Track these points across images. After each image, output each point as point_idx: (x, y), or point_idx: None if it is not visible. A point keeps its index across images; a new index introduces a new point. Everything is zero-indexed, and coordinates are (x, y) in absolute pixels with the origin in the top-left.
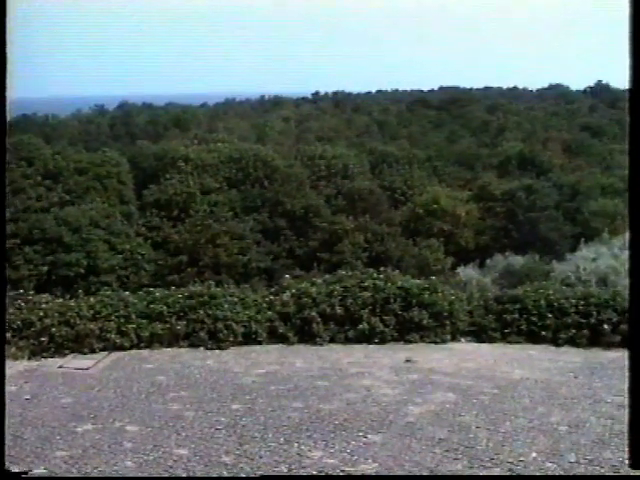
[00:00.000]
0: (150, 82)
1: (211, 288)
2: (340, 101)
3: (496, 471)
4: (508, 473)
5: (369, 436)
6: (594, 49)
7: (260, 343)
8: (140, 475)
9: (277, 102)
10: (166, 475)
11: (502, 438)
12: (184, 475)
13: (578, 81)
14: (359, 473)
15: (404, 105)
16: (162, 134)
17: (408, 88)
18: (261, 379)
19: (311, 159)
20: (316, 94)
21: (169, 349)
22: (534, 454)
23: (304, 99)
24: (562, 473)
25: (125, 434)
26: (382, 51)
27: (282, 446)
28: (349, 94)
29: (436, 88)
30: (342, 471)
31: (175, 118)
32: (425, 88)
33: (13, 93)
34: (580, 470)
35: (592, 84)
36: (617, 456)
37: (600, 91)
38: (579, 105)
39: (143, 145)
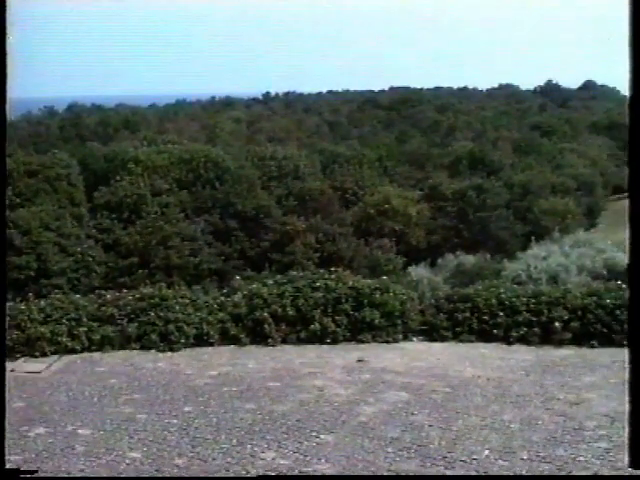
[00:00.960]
0: (99, 83)
1: (162, 290)
2: (291, 102)
3: (450, 470)
4: (463, 472)
5: (322, 436)
6: (545, 49)
7: (212, 345)
8: (141, 476)
9: (228, 103)
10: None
11: (455, 436)
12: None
13: (528, 80)
14: (312, 474)
15: (355, 105)
16: (112, 135)
17: (359, 88)
18: (213, 381)
19: (262, 160)
20: (267, 95)
21: (120, 352)
22: (486, 452)
23: (255, 100)
24: (514, 471)
25: (77, 437)
26: (333, 51)
27: (235, 448)
28: (300, 95)
29: (387, 88)
30: (295, 471)
31: (125, 119)
32: (376, 88)
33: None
34: (532, 467)
35: (542, 83)
36: (569, 453)
37: (550, 90)
38: (529, 104)
39: (93, 147)
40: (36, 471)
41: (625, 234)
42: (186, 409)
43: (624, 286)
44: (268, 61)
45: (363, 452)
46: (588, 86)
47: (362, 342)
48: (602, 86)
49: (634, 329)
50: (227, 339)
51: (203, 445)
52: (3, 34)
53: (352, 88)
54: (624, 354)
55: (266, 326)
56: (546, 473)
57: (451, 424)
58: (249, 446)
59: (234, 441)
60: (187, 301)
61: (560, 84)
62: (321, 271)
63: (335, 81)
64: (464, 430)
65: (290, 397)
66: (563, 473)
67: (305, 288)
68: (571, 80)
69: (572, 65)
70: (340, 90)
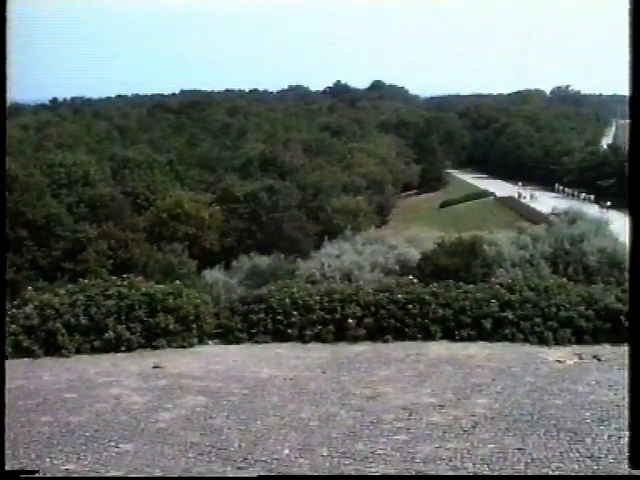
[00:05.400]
0: None
1: None
2: (79, 107)
3: (251, 471)
4: (264, 472)
5: (121, 445)
6: (333, 50)
7: (5, 358)
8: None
9: (14, 110)
10: None
11: (254, 437)
12: None
13: (317, 82)
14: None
15: (145, 109)
16: None
17: (149, 92)
18: (8, 395)
19: (51, 167)
20: (54, 100)
21: None
22: (287, 451)
23: (43, 106)
24: (315, 468)
25: None
26: (120, 54)
27: (34, 462)
28: (89, 100)
29: (177, 92)
30: None
31: None
32: (166, 92)
33: None
34: (333, 463)
35: (331, 84)
36: (369, 447)
37: (339, 91)
38: (319, 105)
39: None
40: (37, 471)
41: (414, 230)
42: None
43: (415, 281)
44: (54, 66)
45: (163, 459)
46: (376, 86)
47: (158, 348)
48: (390, 86)
49: (634, 329)
50: (20, 352)
51: None
52: (3, 35)
53: (142, 92)
54: (417, 347)
55: (59, 337)
56: (348, 468)
57: (250, 425)
58: (48, 459)
59: (32, 455)
60: None
61: (349, 84)
62: (113, 278)
63: (124, 85)
64: (263, 430)
65: (87, 407)
66: (366, 467)
67: (97, 296)
68: (360, 80)
69: (361, 65)
70: (129, 94)
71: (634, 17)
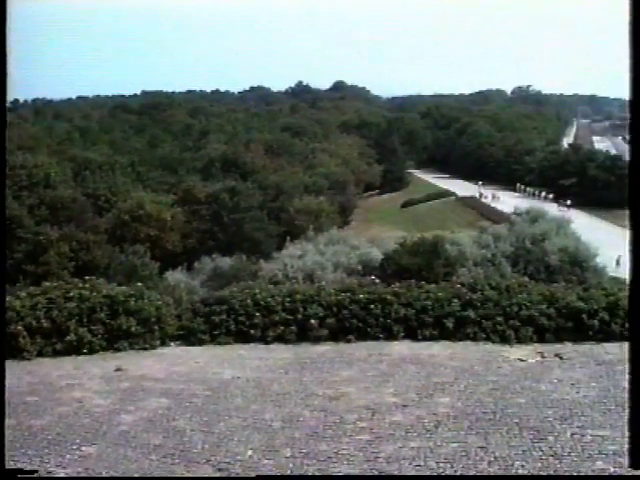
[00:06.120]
0: None
1: None
2: (40, 108)
3: (210, 471)
4: (223, 474)
5: (84, 448)
6: (294, 50)
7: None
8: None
9: None
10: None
11: (217, 439)
12: None
13: (279, 82)
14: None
15: (106, 110)
16: None
17: (110, 93)
18: None
19: (12, 169)
20: (15, 102)
21: None
22: (250, 452)
23: None
24: (279, 469)
25: None
26: (81, 56)
27: None
28: (50, 101)
29: (138, 93)
30: None
31: None
32: (127, 93)
33: None
34: (296, 464)
35: (293, 85)
36: (332, 447)
37: (300, 92)
38: (280, 106)
39: None
40: (36, 471)
41: (376, 230)
42: None
43: (377, 281)
44: (14, 67)
45: (126, 461)
46: (338, 87)
47: (120, 350)
48: (352, 86)
49: (634, 329)
50: None
51: None
52: (3, 35)
53: (103, 93)
54: (380, 347)
55: (20, 340)
56: (311, 469)
57: (213, 427)
58: (12, 462)
59: None
60: None
61: (310, 85)
62: (74, 280)
63: (84, 86)
64: (226, 432)
65: (49, 411)
66: (334, 467)
67: (59, 299)
68: (321, 81)
69: (322, 66)
70: (90, 95)
71: (634, 17)
